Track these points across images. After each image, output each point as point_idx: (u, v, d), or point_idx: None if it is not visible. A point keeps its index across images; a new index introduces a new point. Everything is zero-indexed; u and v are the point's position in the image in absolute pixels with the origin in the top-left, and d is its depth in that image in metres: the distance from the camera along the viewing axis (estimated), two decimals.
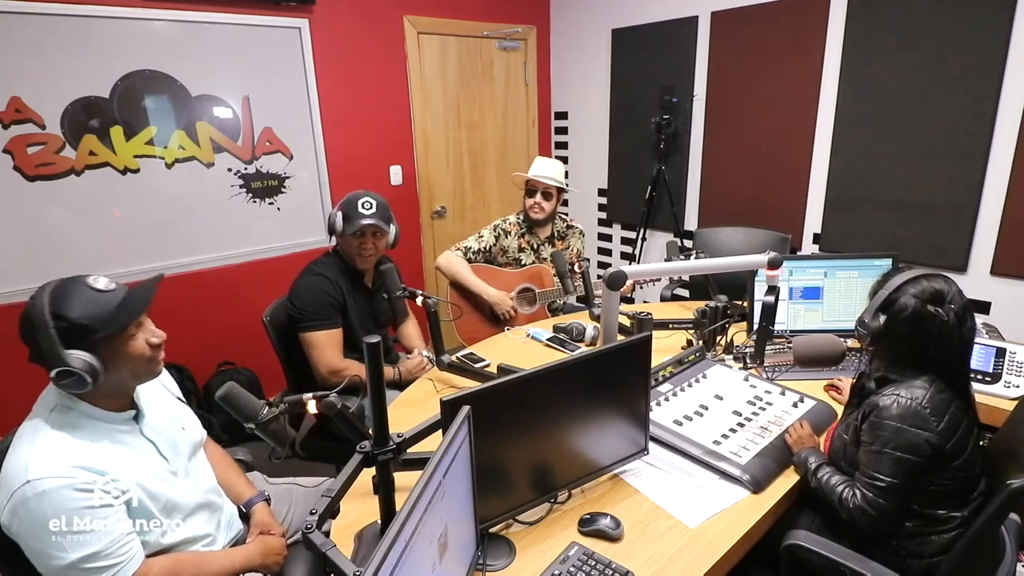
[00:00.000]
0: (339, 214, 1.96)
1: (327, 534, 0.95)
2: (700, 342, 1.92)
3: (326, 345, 1.93)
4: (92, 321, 1.06)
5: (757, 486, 1.30)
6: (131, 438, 1.17)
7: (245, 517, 1.41)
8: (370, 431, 1.08)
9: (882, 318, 1.25)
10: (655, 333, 1.49)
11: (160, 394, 1.30)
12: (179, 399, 1.37)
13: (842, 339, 1.53)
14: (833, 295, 1.96)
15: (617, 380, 1.28)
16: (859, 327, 1.30)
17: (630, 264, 1.99)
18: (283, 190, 3.01)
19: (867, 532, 1.22)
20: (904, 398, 1.18)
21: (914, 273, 1.26)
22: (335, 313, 1.96)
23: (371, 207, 1.95)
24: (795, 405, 1.60)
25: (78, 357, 1.03)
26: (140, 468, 1.14)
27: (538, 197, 2.52)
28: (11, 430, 1.17)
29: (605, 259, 4.06)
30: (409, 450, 1.14)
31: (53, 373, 1.03)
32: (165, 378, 1.33)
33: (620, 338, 1.72)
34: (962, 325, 1.21)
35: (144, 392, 1.23)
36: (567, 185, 2.62)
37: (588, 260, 2.36)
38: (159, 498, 1.15)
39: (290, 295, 1.99)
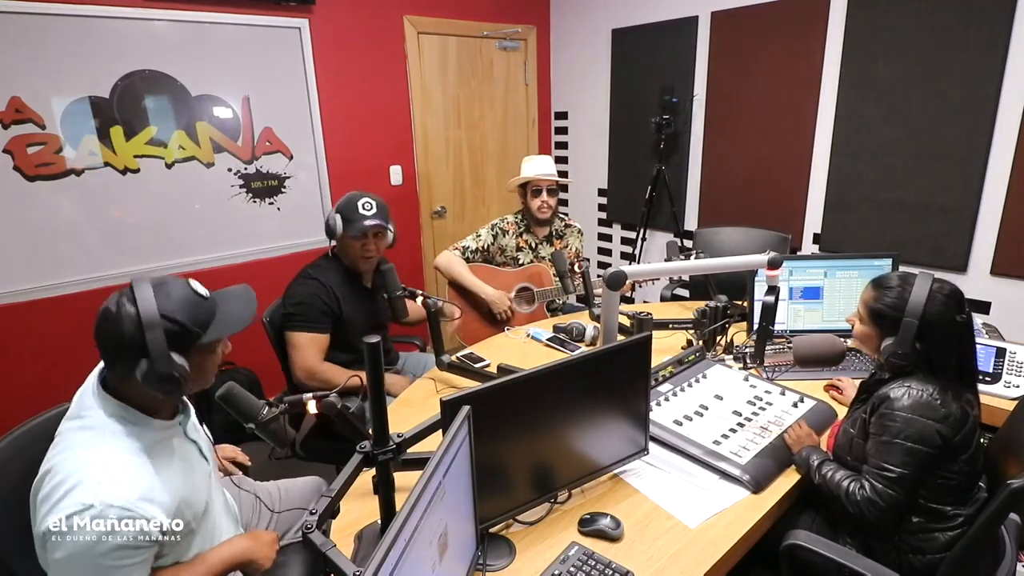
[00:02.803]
0: (337, 217, 1.95)
1: (327, 534, 0.95)
2: (700, 342, 1.92)
3: (308, 347, 1.92)
4: (199, 327, 1.05)
5: (757, 486, 1.30)
6: (178, 442, 1.13)
7: None
8: (370, 431, 1.08)
9: (917, 344, 1.20)
10: (655, 333, 1.49)
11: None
12: None
13: (842, 339, 1.53)
14: (833, 295, 1.96)
15: (617, 380, 1.27)
16: (894, 359, 1.22)
17: (630, 264, 1.99)
18: (283, 190, 3.01)
19: (873, 525, 1.21)
20: (915, 389, 1.20)
21: (924, 285, 1.21)
22: (324, 319, 1.94)
23: (371, 207, 1.94)
24: (795, 405, 1.60)
25: (178, 362, 1.01)
26: (187, 477, 1.10)
27: (544, 195, 2.53)
28: (10, 430, 1.17)
29: (605, 259, 4.05)
30: (409, 450, 1.14)
31: (156, 376, 0.99)
32: None
33: (620, 338, 1.72)
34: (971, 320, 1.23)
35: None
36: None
37: (588, 260, 2.36)
38: (195, 505, 1.11)
39: (284, 296, 1.98)
